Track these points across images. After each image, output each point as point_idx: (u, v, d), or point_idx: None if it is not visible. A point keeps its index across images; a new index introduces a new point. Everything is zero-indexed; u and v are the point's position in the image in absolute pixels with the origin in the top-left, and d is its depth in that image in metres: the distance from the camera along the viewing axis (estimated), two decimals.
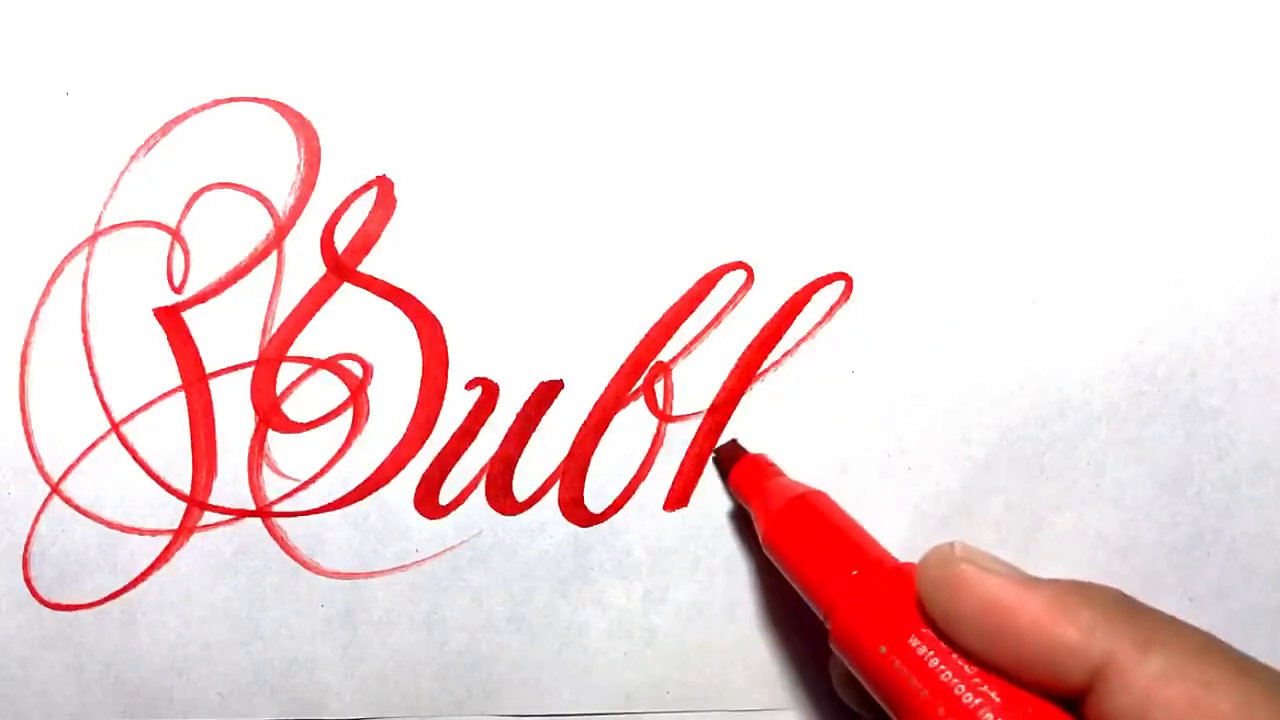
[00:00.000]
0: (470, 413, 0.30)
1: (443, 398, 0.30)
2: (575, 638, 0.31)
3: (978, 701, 0.21)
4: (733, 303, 0.30)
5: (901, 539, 0.31)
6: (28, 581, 0.30)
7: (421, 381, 0.30)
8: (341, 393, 0.30)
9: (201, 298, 0.29)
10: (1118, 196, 0.30)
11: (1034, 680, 0.21)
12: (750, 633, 0.31)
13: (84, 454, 0.29)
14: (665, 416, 0.30)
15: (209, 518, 0.30)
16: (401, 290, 0.29)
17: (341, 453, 0.30)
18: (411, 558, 0.30)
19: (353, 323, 0.29)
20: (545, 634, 0.31)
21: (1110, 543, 0.31)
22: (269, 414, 0.30)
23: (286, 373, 0.29)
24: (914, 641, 0.22)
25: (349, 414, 0.30)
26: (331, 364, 0.29)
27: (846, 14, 0.29)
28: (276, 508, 0.30)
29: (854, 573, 0.24)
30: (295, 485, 0.30)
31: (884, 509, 0.31)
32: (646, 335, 0.30)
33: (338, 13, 0.28)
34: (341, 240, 0.29)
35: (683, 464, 0.30)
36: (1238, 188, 0.30)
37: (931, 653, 0.22)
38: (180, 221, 0.29)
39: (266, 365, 0.29)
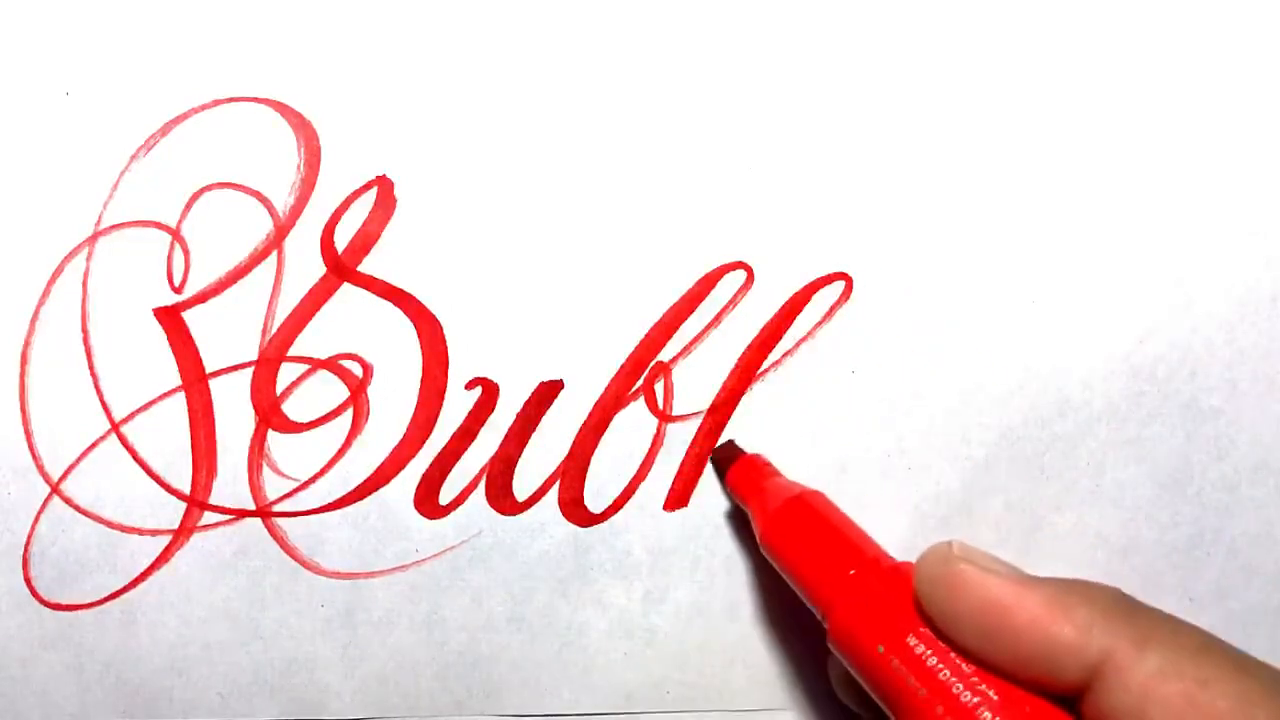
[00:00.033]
0: (470, 413, 0.30)
1: (443, 398, 0.30)
2: (575, 638, 0.31)
3: (976, 700, 0.21)
4: (733, 303, 0.30)
5: (901, 539, 0.31)
6: (28, 581, 0.30)
7: (421, 381, 0.30)
8: (341, 393, 0.30)
9: (201, 298, 0.29)
10: (1118, 196, 0.30)
11: (1032, 679, 0.21)
12: (750, 632, 0.31)
13: (84, 454, 0.29)
14: (665, 416, 0.30)
15: (209, 518, 0.30)
16: (401, 290, 0.29)
17: (341, 453, 0.30)
18: (411, 558, 0.30)
19: (353, 323, 0.29)
20: (545, 634, 0.31)
21: (1110, 543, 0.31)
22: (269, 414, 0.30)
23: (286, 373, 0.29)
24: (912, 640, 0.22)
25: (349, 414, 0.30)
26: (331, 364, 0.29)
27: (846, 14, 0.29)
28: (276, 508, 0.30)
29: (851, 572, 0.24)
30: (295, 485, 0.30)
31: (884, 509, 0.31)
32: (646, 335, 0.30)
33: (338, 13, 0.28)
34: (341, 240, 0.29)
35: (683, 464, 0.30)
36: (1238, 188, 0.30)
37: (929, 652, 0.22)
38: (180, 221, 0.29)
39: (266, 365, 0.29)
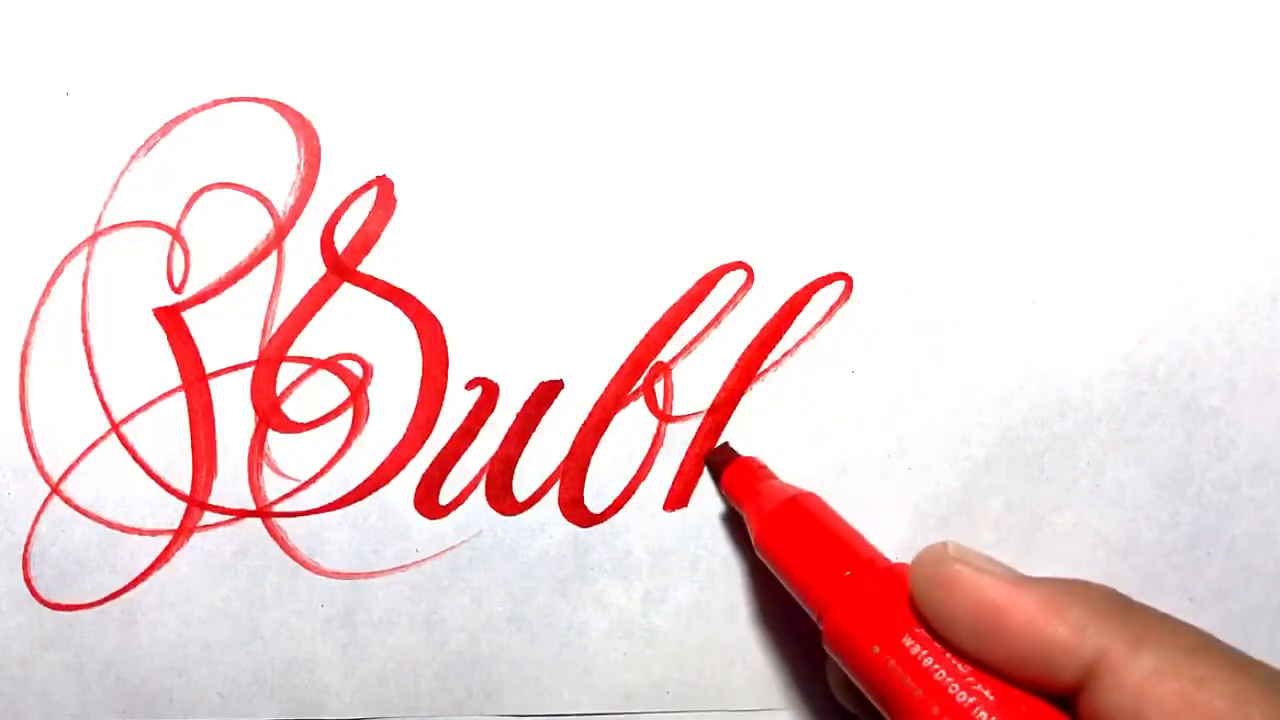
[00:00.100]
0: (470, 413, 0.30)
1: (443, 398, 0.30)
2: (575, 638, 0.31)
3: (971, 700, 0.21)
4: (733, 303, 0.30)
5: (901, 539, 0.31)
6: (28, 581, 0.30)
7: (421, 381, 0.30)
8: (341, 393, 0.30)
9: (201, 298, 0.29)
10: (1118, 196, 0.30)
11: (1027, 679, 0.21)
12: (750, 633, 0.31)
13: (84, 454, 0.29)
14: (665, 416, 0.30)
15: (209, 518, 0.30)
16: (401, 290, 0.29)
17: (341, 453, 0.30)
18: (411, 558, 0.30)
19: (353, 323, 0.29)
20: (545, 634, 0.31)
21: (1110, 543, 0.31)
22: (269, 414, 0.30)
23: (286, 373, 0.29)
24: (907, 641, 0.22)
25: (349, 414, 0.30)
26: (331, 364, 0.29)
27: (846, 14, 0.29)
28: (276, 508, 0.30)
29: (847, 573, 0.24)
30: (295, 485, 0.30)
31: (884, 509, 0.31)
32: (646, 335, 0.30)
33: (338, 13, 0.28)
34: (341, 240, 0.29)
35: (683, 464, 0.30)
36: (1238, 188, 0.30)
37: (925, 652, 0.22)
38: (180, 221, 0.29)
39: (266, 365, 0.29)
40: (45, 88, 0.28)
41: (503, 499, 0.30)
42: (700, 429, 0.30)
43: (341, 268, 0.29)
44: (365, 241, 0.29)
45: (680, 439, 0.30)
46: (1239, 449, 0.31)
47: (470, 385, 0.30)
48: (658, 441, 0.30)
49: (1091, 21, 0.29)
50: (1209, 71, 0.30)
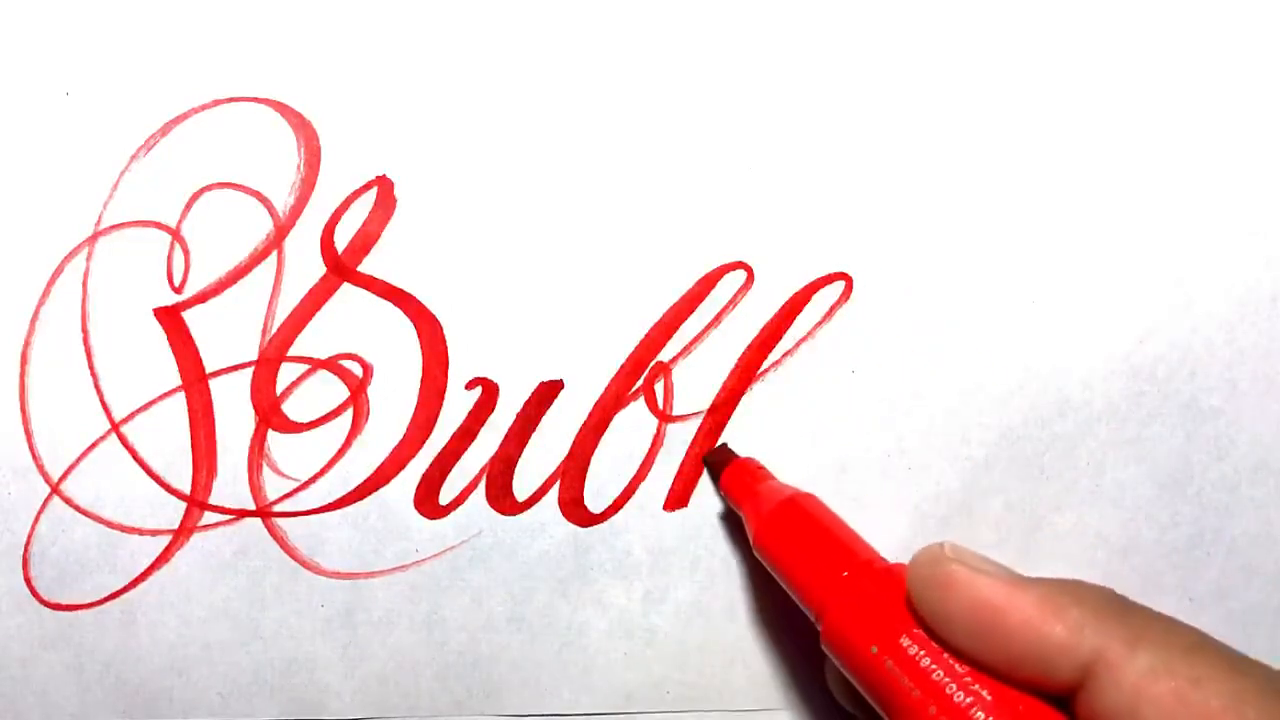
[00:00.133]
0: (470, 413, 0.30)
1: (443, 398, 0.30)
2: (575, 638, 0.31)
3: (969, 700, 0.21)
4: (733, 303, 0.30)
5: (901, 539, 0.31)
6: (28, 581, 0.30)
7: (421, 381, 0.30)
8: (341, 393, 0.30)
9: (201, 298, 0.29)
10: (1118, 196, 0.30)
11: (1024, 679, 0.21)
12: (750, 633, 0.31)
13: (84, 454, 0.29)
14: (665, 416, 0.30)
15: (209, 518, 0.30)
16: (401, 290, 0.29)
17: (341, 453, 0.30)
18: (411, 558, 0.30)
19: (353, 323, 0.29)
20: (545, 634, 0.31)
21: (1110, 543, 0.31)
22: (269, 414, 0.30)
23: (286, 373, 0.29)
24: (905, 641, 0.22)
25: (349, 414, 0.30)
26: (331, 364, 0.29)
27: (846, 14, 0.29)
28: (276, 508, 0.30)
29: (844, 574, 0.24)
30: (295, 485, 0.30)
31: (884, 509, 0.31)
32: (646, 335, 0.30)
33: (338, 13, 0.28)
34: (341, 240, 0.29)
35: (683, 464, 0.30)
36: (1238, 188, 0.30)
37: (922, 652, 0.22)
38: (180, 221, 0.29)
39: (266, 365, 0.29)
40: (45, 88, 0.28)
41: (503, 499, 0.30)
42: (700, 429, 0.30)
43: (341, 268, 0.29)
44: (365, 241, 0.29)
45: (680, 439, 0.30)
46: (1239, 449, 0.31)
47: (470, 385, 0.30)
48: (658, 441, 0.30)
49: (1091, 21, 0.29)
50: (1209, 71, 0.30)
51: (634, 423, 0.30)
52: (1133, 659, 0.19)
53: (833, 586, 0.24)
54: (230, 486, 0.30)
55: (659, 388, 0.30)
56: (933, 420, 0.30)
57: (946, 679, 0.21)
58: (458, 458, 0.30)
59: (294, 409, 0.30)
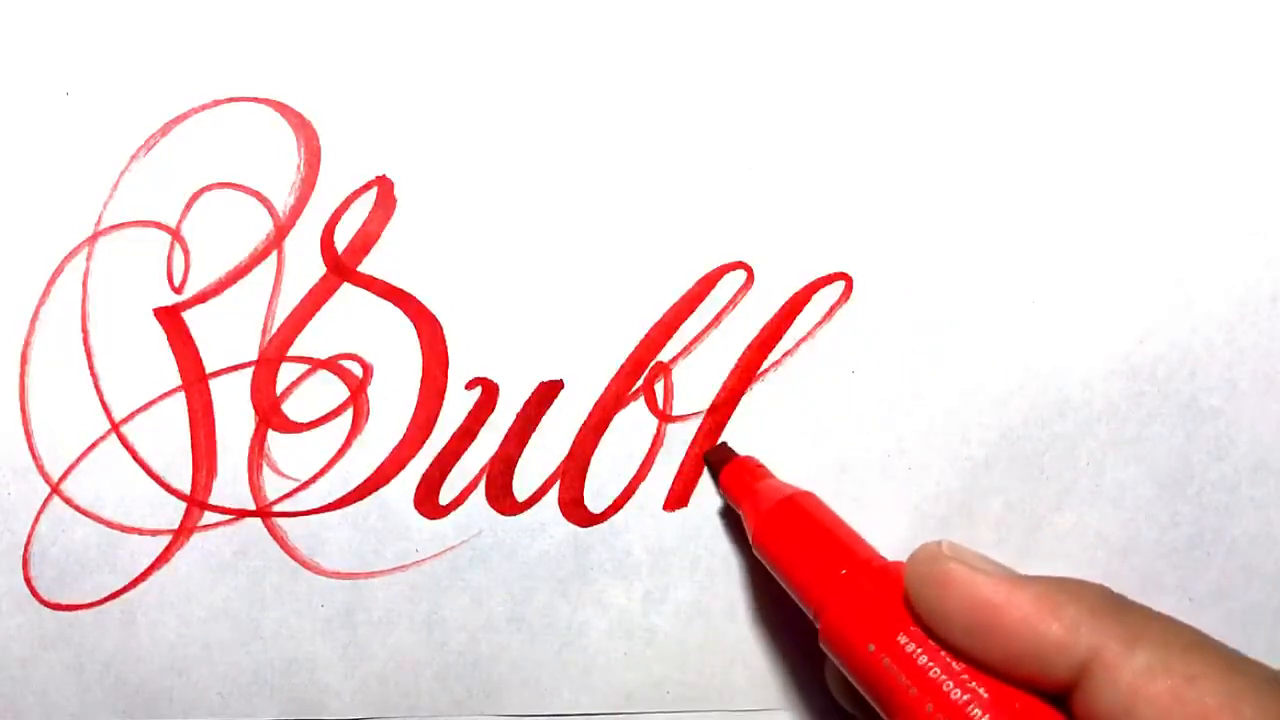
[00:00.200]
0: (470, 413, 0.30)
1: (443, 398, 0.30)
2: (575, 638, 0.31)
3: (966, 698, 0.21)
4: (733, 303, 0.30)
5: (901, 539, 0.31)
6: (28, 581, 0.30)
7: (421, 381, 0.30)
8: (341, 393, 0.30)
9: (201, 298, 0.29)
10: (1118, 196, 0.30)
11: (1021, 677, 0.21)
12: (750, 632, 0.31)
13: (84, 454, 0.29)
14: (665, 416, 0.30)
15: (209, 518, 0.30)
16: (401, 290, 0.29)
17: (341, 453, 0.30)
18: (411, 558, 0.30)
19: (353, 323, 0.29)
20: (545, 634, 0.31)
21: (1110, 543, 0.31)
22: (269, 414, 0.30)
23: (286, 373, 0.29)
24: (902, 639, 0.22)
25: (349, 414, 0.30)
26: (331, 364, 0.29)
27: (846, 14, 0.29)
28: (276, 508, 0.30)
29: (842, 572, 0.25)
30: (295, 485, 0.30)
31: (884, 509, 0.31)
32: (646, 335, 0.30)
33: (338, 13, 0.28)
34: (341, 240, 0.29)
35: (683, 464, 0.30)
36: (1238, 188, 0.30)
37: (920, 650, 0.22)
38: (180, 221, 0.29)
39: (266, 365, 0.29)
40: (45, 88, 0.28)
41: (503, 499, 0.30)
42: (700, 429, 0.30)
43: (341, 268, 0.29)
44: (365, 241, 0.29)
45: (680, 439, 0.30)
46: (1239, 449, 0.31)
47: (470, 385, 0.30)
48: (658, 441, 0.30)
49: (1091, 21, 0.29)
50: (1209, 71, 0.30)
51: (634, 423, 0.30)
52: (1129, 657, 0.19)
53: (831, 585, 0.24)
54: (230, 486, 0.30)
55: (659, 388, 0.30)
56: (933, 420, 0.30)
57: (944, 677, 0.21)
58: (458, 458, 0.30)
59: (294, 409, 0.30)
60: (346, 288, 0.29)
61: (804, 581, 0.25)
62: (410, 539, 0.30)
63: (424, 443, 0.30)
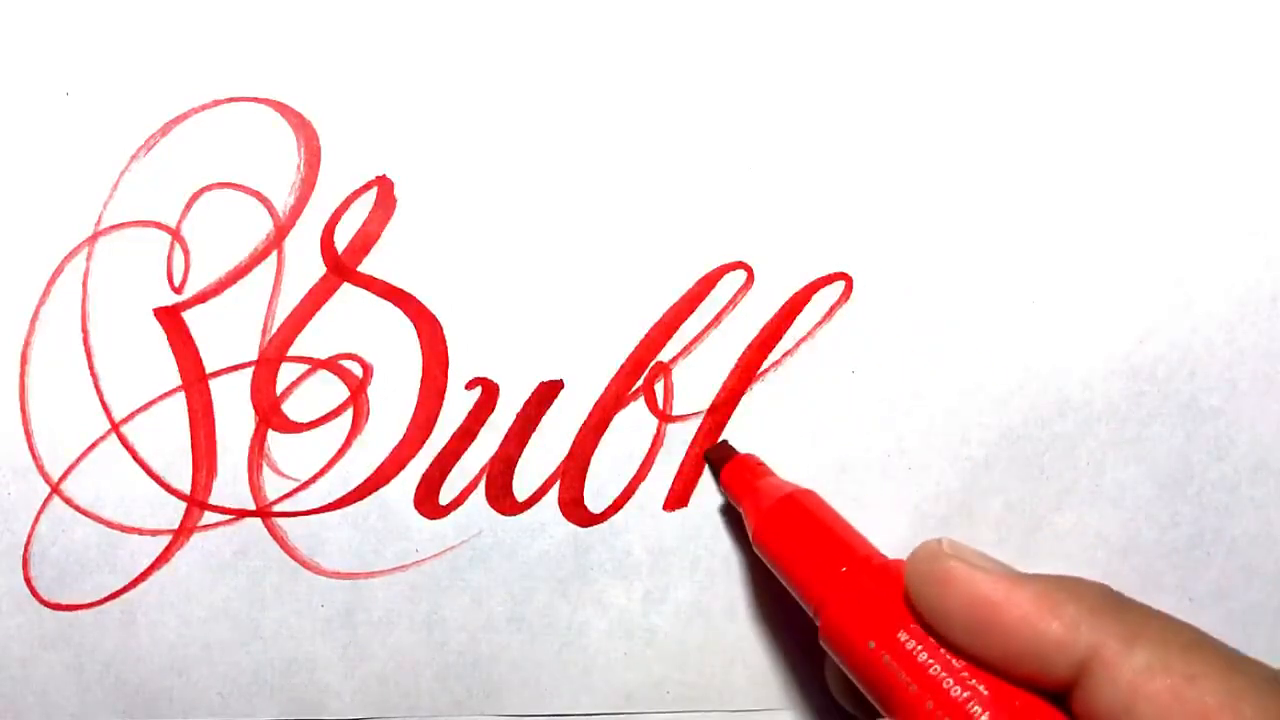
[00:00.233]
0: (470, 413, 0.30)
1: (443, 398, 0.30)
2: (575, 638, 0.31)
3: (966, 695, 0.21)
4: (733, 303, 0.30)
5: (901, 539, 0.31)
6: (28, 581, 0.30)
7: (421, 381, 0.30)
8: (341, 393, 0.30)
9: (201, 298, 0.29)
10: (1118, 196, 0.30)
11: (1021, 675, 0.21)
12: (750, 632, 0.31)
13: (84, 454, 0.29)
14: (665, 416, 0.30)
15: (209, 518, 0.30)
16: (401, 290, 0.29)
17: (341, 453, 0.30)
18: (411, 558, 0.30)
19: (353, 323, 0.29)
20: (545, 634, 0.31)
21: (1110, 543, 0.31)
22: (269, 414, 0.30)
23: (286, 373, 0.29)
24: (903, 636, 0.22)
25: (349, 414, 0.30)
26: (331, 364, 0.29)
27: (846, 14, 0.29)
28: (276, 508, 0.30)
29: (843, 569, 0.25)
30: (295, 485, 0.30)
31: (884, 509, 0.31)
32: (646, 335, 0.30)
33: (338, 13, 0.28)
34: (341, 240, 0.29)
35: (683, 464, 0.30)
36: (1238, 188, 0.30)
37: (920, 647, 0.22)
38: (180, 221, 0.29)
39: (266, 365, 0.29)
40: (45, 88, 0.28)
41: (503, 499, 0.30)
42: (700, 429, 0.30)
43: (341, 268, 0.29)
44: (365, 241, 0.29)
45: (680, 439, 0.30)
46: (1239, 449, 0.31)
47: (470, 385, 0.30)
48: (658, 441, 0.30)
49: (1091, 21, 0.29)
50: (1209, 71, 0.30)
51: (634, 423, 0.30)
52: (1129, 656, 0.19)
53: (831, 582, 0.24)
54: (230, 486, 0.30)
55: (659, 388, 0.30)
56: (933, 420, 0.30)
57: (944, 674, 0.21)
58: (458, 458, 0.30)
59: (294, 409, 0.30)
60: (346, 288, 0.29)
61: (804, 579, 0.25)
62: (410, 539, 0.30)
63: (424, 443, 0.30)
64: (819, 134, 0.29)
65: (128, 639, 0.30)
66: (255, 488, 0.30)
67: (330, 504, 0.30)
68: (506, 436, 0.30)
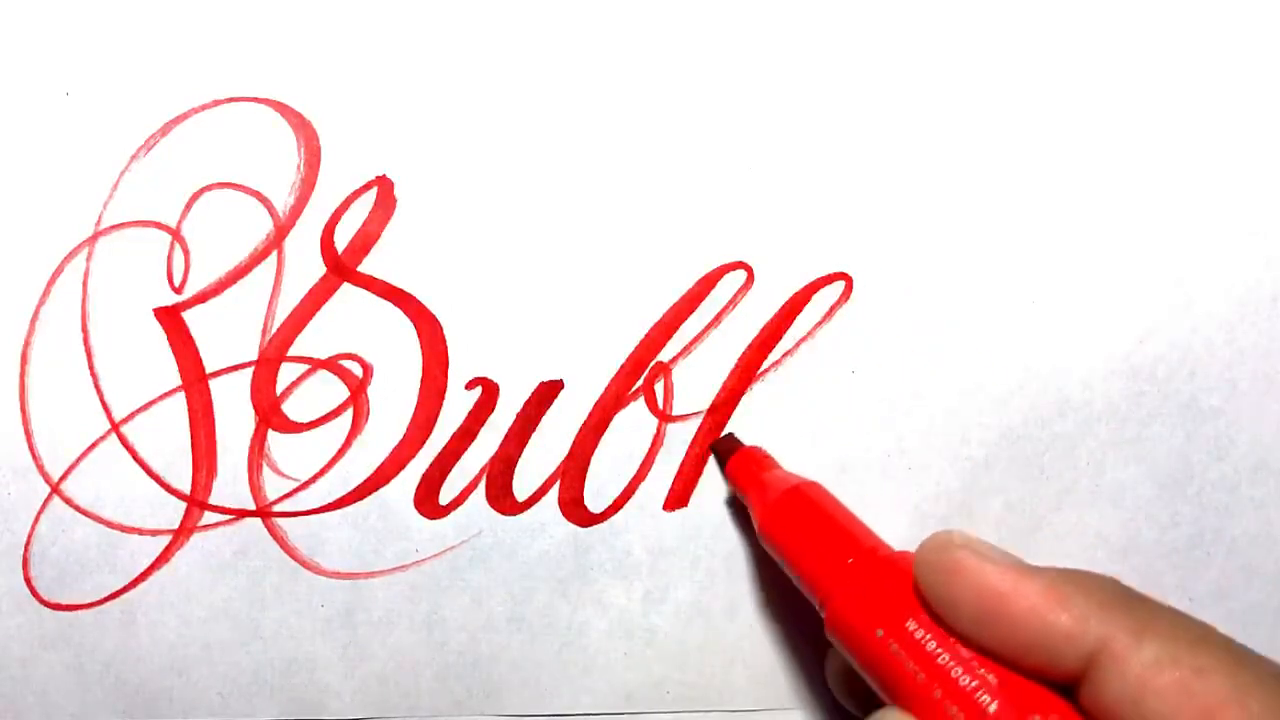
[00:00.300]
0: (470, 413, 0.30)
1: (443, 398, 0.30)
2: (575, 638, 0.31)
3: (974, 684, 0.21)
4: (733, 303, 0.30)
5: (901, 539, 0.30)
6: (28, 581, 0.30)
7: (421, 381, 0.30)
8: (341, 393, 0.30)
9: (201, 298, 0.29)
10: (1118, 196, 0.30)
11: (1029, 667, 0.21)
12: (750, 633, 0.31)
13: (84, 454, 0.29)
14: (665, 416, 0.30)
15: (209, 518, 0.30)
16: (401, 290, 0.29)
17: (341, 453, 0.30)
18: (411, 558, 0.30)
19: (353, 323, 0.29)
20: (545, 634, 0.31)
21: (1110, 543, 0.31)
22: (269, 414, 0.30)
23: (286, 373, 0.29)
24: (911, 625, 0.22)
25: (349, 414, 0.30)
26: (331, 364, 0.29)
27: (846, 14, 0.29)
28: (276, 508, 0.30)
29: (849, 561, 0.24)
30: (295, 485, 0.30)
31: (884, 509, 0.31)
32: (646, 335, 0.30)
33: (338, 13, 0.28)
34: (341, 240, 0.29)
35: (683, 464, 0.30)
36: (1238, 188, 0.30)
37: (928, 636, 0.22)
38: (180, 221, 0.29)
39: (266, 365, 0.29)
40: (45, 88, 0.28)
41: (503, 499, 0.30)
42: (700, 429, 0.30)
43: (341, 268, 0.29)
44: (365, 241, 0.29)
45: (680, 439, 0.30)
46: (1239, 449, 0.31)
47: (470, 385, 0.30)
48: (658, 441, 0.30)
49: (1091, 21, 0.29)
50: (1209, 71, 0.30)
51: (634, 423, 0.30)
52: (1138, 649, 0.19)
53: (838, 573, 0.24)
54: (230, 486, 0.30)
55: (659, 388, 0.30)
56: (933, 420, 0.30)
57: (952, 663, 0.21)
58: (458, 458, 0.30)
59: (294, 409, 0.30)
60: (346, 288, 0.29)
61: (810, 570, 0.25)
62: (410, 539, 0.30)
63: (424, 443, 0.30)
64: (819, 134, 0.29)
65: (128, 639, 0.30)
66: (255, 488, 0.30)
67: (330, 504, 0.30)
68: (506, 436, 0.30)
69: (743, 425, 0.30)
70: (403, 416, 0.30)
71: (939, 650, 0.21)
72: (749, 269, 0.30)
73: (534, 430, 0.30)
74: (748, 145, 0.29)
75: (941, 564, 0.22)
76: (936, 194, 0.30)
